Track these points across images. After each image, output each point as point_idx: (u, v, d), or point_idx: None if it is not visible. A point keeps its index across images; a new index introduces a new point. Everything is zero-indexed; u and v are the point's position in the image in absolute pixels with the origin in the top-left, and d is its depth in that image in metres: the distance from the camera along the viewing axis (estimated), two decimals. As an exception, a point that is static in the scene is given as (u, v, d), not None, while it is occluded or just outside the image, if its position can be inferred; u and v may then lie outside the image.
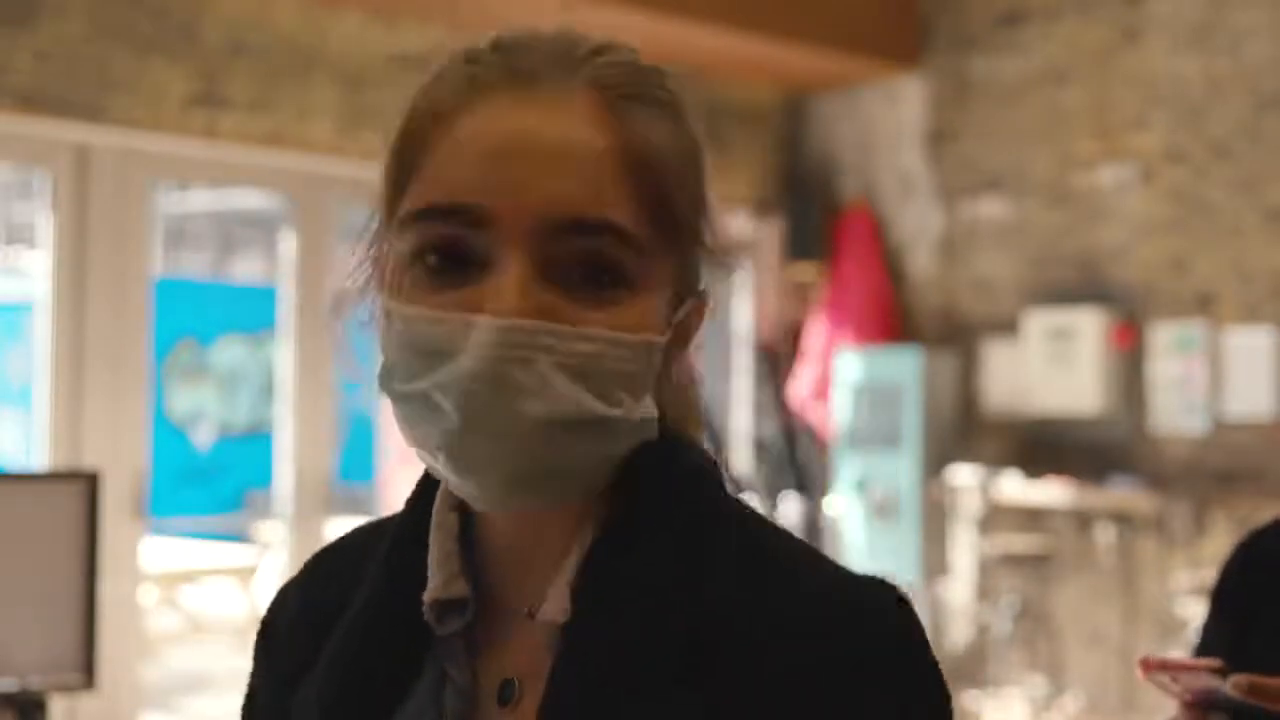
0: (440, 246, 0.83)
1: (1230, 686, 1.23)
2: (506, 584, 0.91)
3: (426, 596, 0.89)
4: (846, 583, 0.86)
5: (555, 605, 0.86)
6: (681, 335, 0.90)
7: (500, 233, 0.82)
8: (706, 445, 0.94)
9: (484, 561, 0.91)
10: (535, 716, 0.83)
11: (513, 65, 0.85)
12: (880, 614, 0.84)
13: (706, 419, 0.97)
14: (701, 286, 0.91)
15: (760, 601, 0.84)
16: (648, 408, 0.86)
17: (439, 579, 0.90)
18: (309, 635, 0.94)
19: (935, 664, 0.85)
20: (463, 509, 0.92)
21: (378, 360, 0.87)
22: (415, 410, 0.84)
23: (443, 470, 0.86)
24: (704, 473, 0.91)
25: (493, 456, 0.82)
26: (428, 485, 0.94)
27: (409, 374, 0.83)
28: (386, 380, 0.85)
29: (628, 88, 0.86)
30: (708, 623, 0.83)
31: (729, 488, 0.92)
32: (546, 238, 0.82)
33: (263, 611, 1.02)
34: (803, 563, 0.88)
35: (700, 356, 0.97)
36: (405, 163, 0.86)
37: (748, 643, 0.83)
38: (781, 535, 0.90)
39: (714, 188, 0.92)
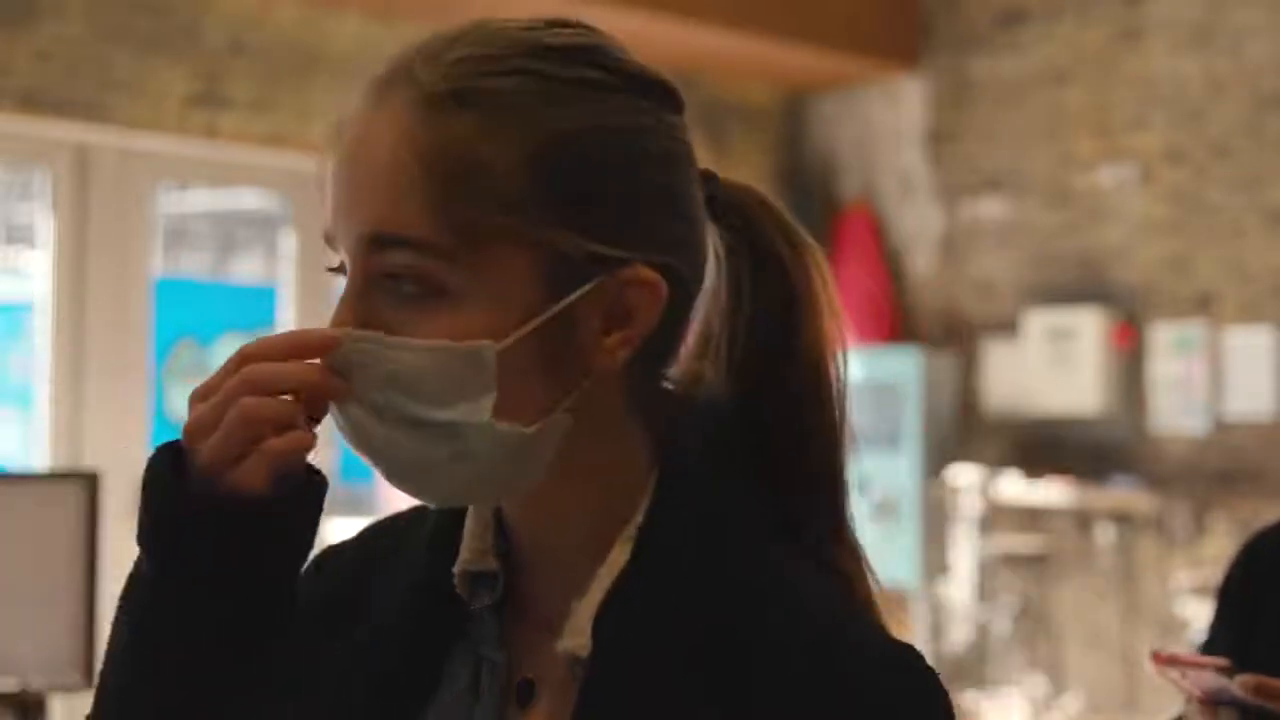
0: (341, 272, 0.89)
1: (1237, 686, 1.24)
2: (527, 581, 0.93)
3: (457, 567, 0.93)
4: (881, 638, 0.89)
5: (576, 635, 0.88)
6: (618, 320, 0.86)
7: (343, 253, 0.87)
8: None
9: (511, 553, 0.94)
10: None
11: (372, 85, 0.90)
12: (912, 673, 0.87)
13: (682, 409, 0.94)
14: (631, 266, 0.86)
15: (791, 650, 0.85)
16: (483, 409, 0.83)
17: (470, 551, 0.93)
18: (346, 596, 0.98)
19: None
20: None
21: None
22: None
23: None
24: (733, 512, 0.91)
25: (360, 452, 0.87)
26: None
27: None
28: None
29: (448, 86, 0.86)
30: (735, 671, 0.85)
31: (766, 519, 0.92)
32: (365, 255, 0.85)
33: None
34: (837, 612, 0.89)
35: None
36: None
37: (781, 692, 0.84)
38: (813, 582, 0.91)
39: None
